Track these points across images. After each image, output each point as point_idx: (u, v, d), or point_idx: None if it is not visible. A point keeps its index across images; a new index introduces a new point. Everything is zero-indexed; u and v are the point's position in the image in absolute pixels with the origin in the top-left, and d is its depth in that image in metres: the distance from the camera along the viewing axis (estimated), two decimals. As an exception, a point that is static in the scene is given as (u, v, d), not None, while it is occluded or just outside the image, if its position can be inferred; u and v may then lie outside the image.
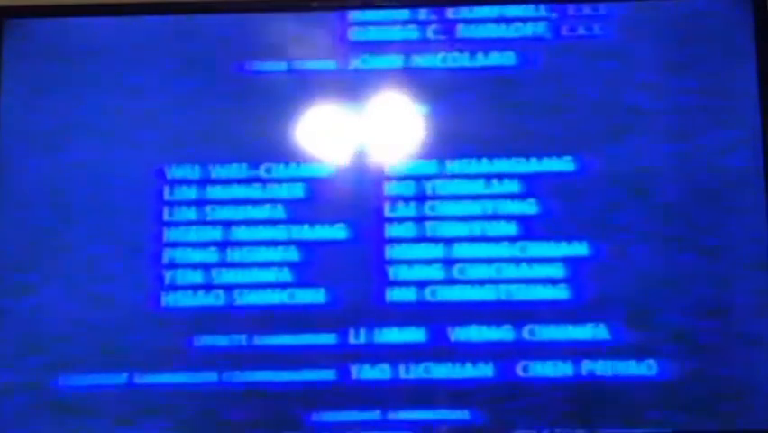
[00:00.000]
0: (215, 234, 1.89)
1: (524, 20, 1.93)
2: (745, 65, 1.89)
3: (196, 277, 1.87)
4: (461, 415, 1.81)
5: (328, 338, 1.85)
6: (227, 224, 1.89)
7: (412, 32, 1.94)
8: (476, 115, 1.91)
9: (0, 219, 1.90)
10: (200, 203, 1.90)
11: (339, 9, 1.95)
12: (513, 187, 1.89)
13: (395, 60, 1.94)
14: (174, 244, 1.89)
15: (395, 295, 1.86)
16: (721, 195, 1.86)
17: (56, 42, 1.95)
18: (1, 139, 1.92)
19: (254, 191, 1.90)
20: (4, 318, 1.87)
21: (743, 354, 1.81)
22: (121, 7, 1.96)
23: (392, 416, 1.82)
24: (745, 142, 1.87)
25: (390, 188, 1.89)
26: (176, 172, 1.91)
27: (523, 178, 1.89)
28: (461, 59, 1.94)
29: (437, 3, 1.94)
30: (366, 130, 1.92)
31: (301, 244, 1.88)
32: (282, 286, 1.87)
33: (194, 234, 1.89)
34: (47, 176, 1.91)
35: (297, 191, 1.90)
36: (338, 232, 1.88)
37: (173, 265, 1.88)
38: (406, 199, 1.89)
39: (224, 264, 1.88)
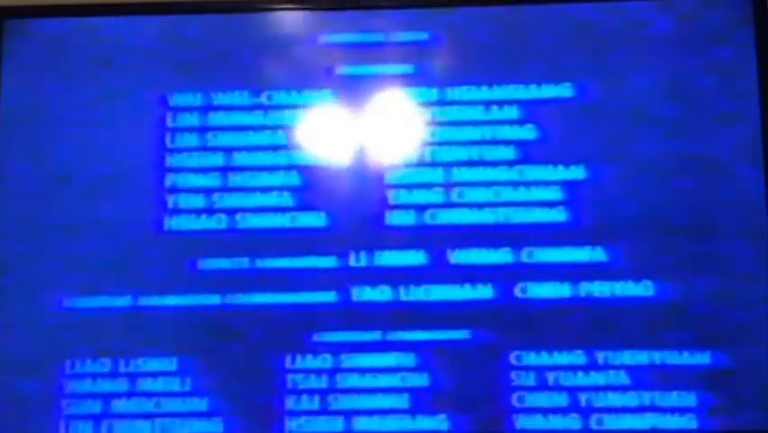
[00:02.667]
0: (217, 159, 1.91)
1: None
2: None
3: (199, 201, 1.90)
4: (461, 335, 1.84)
5: (329, 261, 1.87)
6: (229, 150, 1.91)
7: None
8: (476, 42, 1.93)
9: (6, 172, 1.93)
10: (202, 129, 1.92)
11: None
12: (512, 113, 1.90)
13: (395, -10, 1.96)
14: (177, 170, 1.91)
15: (395, 218, 1.88)
16: (719, 118, 1.88)
17: (56, 42, 1.96)
18: (1, 138, 1.93)
19: (255, 118, 1.92)
20: (14, 251, 1.90)
21: (739, 274, 1.83)
22: (121, 7, 1.96)
23: (392, 336, 1.85)
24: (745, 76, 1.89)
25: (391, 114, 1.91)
26: (178, 99, 1.93)
27: (522, 104, 1.90)
28: (461, -12, 1.95)
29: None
30: (366, 59, 1.93)
31: (302, 169, 1.90)
32: (283, 210, 1.89)
33: (196, 159, 1.91)
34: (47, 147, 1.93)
35: (298, 117, 1.92)
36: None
37: (175, 190, 1.90)
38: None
39: (225, 189, 1.90)
